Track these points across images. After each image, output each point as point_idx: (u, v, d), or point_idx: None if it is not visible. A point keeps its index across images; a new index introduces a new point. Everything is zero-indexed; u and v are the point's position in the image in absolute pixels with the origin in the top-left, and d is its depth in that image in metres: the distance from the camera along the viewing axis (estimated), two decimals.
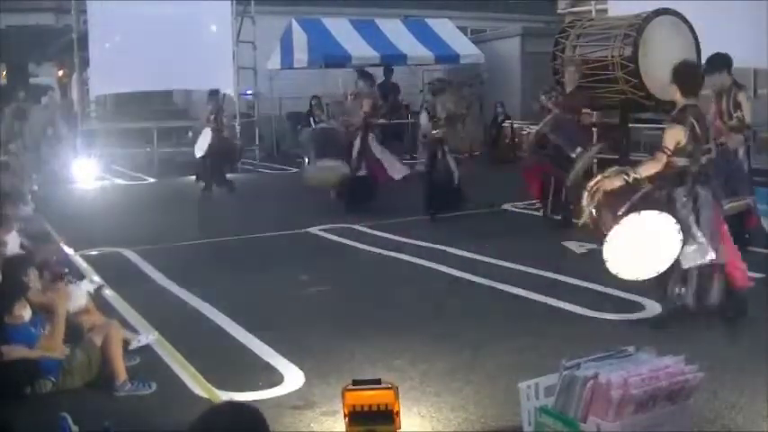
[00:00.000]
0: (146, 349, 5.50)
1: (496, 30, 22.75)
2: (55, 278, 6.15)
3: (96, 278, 7.21)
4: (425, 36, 19.73)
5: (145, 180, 16.28)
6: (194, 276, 7.68)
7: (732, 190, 7.75)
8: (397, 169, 11.19)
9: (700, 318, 6.08)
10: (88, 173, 15.75)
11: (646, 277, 5.61)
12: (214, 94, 13.81)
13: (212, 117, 13.43)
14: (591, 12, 15.25)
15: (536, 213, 10.08)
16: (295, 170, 15.40)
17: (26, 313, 4.99)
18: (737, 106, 7.98)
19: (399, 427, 3.84)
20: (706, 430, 4.10)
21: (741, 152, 8.11)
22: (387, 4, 22.97)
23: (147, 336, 5.62)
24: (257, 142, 18.90)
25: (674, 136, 5.70)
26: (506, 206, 11.15)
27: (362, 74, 12.04)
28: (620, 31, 9.88)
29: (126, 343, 5.30)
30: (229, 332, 5.99)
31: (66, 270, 6.74)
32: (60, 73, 23.44)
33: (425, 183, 10.60)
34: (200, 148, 13.44)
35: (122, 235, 9.74)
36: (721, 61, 8.07)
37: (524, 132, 17.44)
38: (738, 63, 8.41)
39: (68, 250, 8.60)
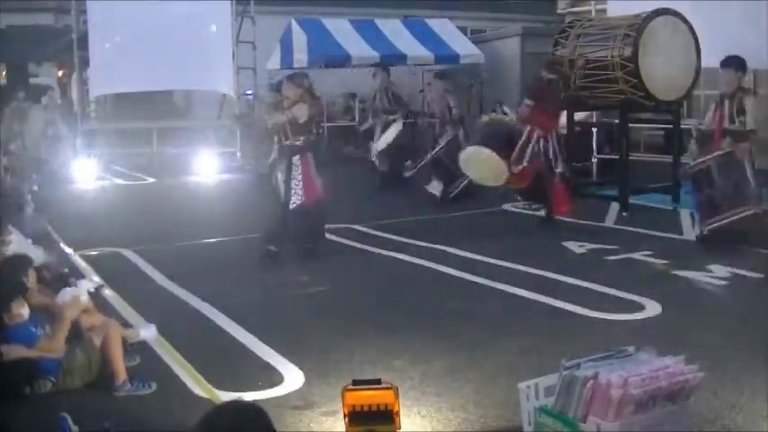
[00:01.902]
0: (146, 349, 5.49)
1: (496, 30, 22.74)
2: (54, 279, 6.16)
3: (96, 278, 7.22)
4: (425, 36, 19.72)
5: (145, 180, 16.29)
6: (194, 276, 7.68)
7: (740, 200, 7.77)
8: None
9: (700, 318, 6.10)
10: (88, 173, 15.76)
11: None
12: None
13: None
14: (590, 12, 15.27)
15: (536, 213, 10.07)
16: None
17: (25, 311, 4.98)
18: (741, 111, 7.96)
19: (399, 427, 3.84)
20: (706, 430, 4.10)
21: (746, 161, 8.03)
22: (387, 4, 22.96)
23: (148, 330, 5.56)
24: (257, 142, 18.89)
25: None
26: (506, 206, 11.15)
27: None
28: (619, 31, 9.87)
29: (125, 340, 5.26)
30: (229, 332, 5.99)
31: (66, 270, 6.77)
32: (60, 73, 23.44)
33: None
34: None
35: (122, 235, 9.73)
36: (738, 61, 8.07)
37: None
38: None
39: (68, 250, 8.61)
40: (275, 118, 8.24)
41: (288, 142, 8.15)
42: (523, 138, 9.15)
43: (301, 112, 8.08)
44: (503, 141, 9.24)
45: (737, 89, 8.08)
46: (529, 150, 9.13)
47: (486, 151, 9.16)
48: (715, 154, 8.03)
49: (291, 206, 8.16)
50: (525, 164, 9.09)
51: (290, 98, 8.20)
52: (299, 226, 8.36)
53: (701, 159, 8.23)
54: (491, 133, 9.58)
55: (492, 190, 10.17)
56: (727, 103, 8.10)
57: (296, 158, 8.12)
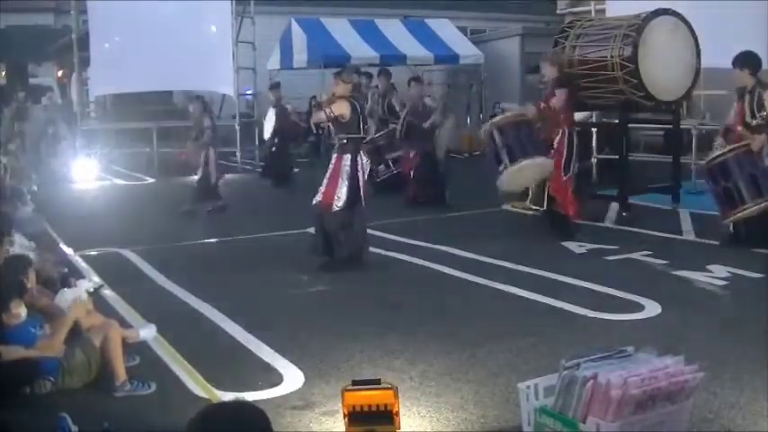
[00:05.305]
0: (146, 349, 5.49)
1: (496, 30, 22.77)
2: (54, 279, 6.16)
3: (96, 278, 7.22)
4: (425, 36, 19.74)
5: (145, 180, 16.29)
6: (194, 276, 7.68)
7: (757, 191, 7.80)
8: None
9: (699, 318, 6.10)
10: (88, 173, 15.76)
11: None
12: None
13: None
14: (590, 12, 15.26)
15: (536, 214, 10.06)
16: (295, 170, 15.40)
17: (23, 311, 4.98)
18: (761, 106, 7.96)
19: (399, 428, 3.84)
20: (706, 430, 4.11)
21: (765, 151, 8.07)
22: (387, 4, 23.00)
23: (148, 329, 5.53)
24: (257, 142, 18.89)
25: None
26: (506, 206, 11.15)
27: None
28: (619, 31, 9.86)
29: (125, 340, 5.24)
30: (229, 332, 5.99)
31: (66, 270, 6.77)
32: (60, 73, 23.47)
33: None
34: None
35: (122, 235, 9.74)
36: (743, 59, 8.09)
37: None
38: None
39: (68, 250, 8.62)
40: (317, 116, 8.10)
41: (333, 140, 8.12)
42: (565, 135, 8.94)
43: (341, 110, 7.70)
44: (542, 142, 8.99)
45: (756, 84, 8.07)
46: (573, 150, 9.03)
47: (543, 160, 8.82)
48: (728, 147, 8.11)
49: (313, 202, 7.87)
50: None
51: (335, 95, 7.86)
52: (315, 228, 8.05)
53: (715, 154, 8.26)
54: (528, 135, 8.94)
55: (494, 190, 10.05)
56: (747, 98, 8.11)
57: (333, 157, 7.87)
